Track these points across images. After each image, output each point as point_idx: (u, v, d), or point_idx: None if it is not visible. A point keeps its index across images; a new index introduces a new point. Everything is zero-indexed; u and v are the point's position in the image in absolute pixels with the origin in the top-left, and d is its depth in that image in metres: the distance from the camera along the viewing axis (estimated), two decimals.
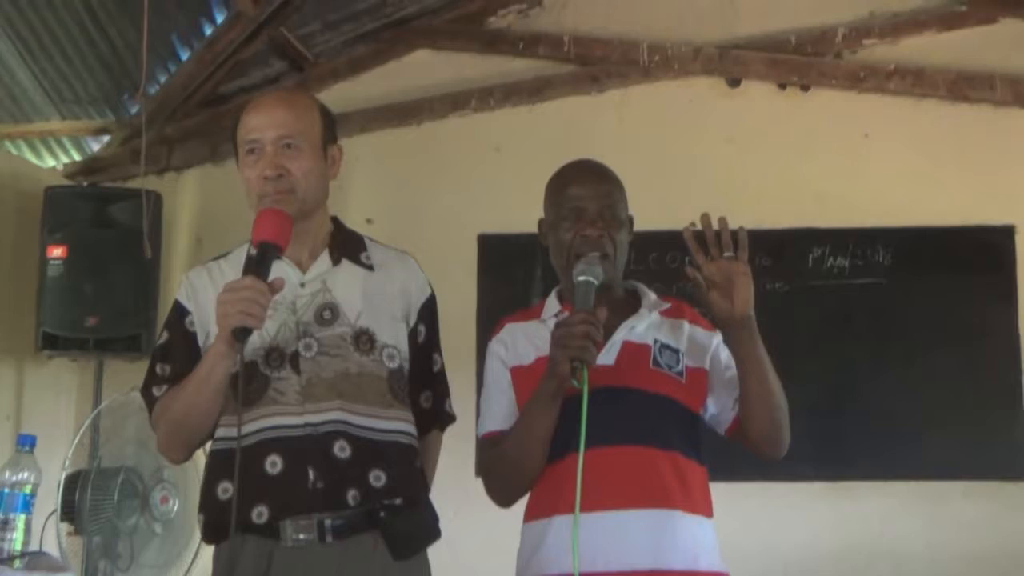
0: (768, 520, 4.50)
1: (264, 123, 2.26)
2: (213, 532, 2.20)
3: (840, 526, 4.48)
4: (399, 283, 2.36)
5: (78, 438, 3.97)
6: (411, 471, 2.27)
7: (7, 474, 2.37)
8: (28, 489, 2.39)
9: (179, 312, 2.28)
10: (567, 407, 2.08)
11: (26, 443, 2.46)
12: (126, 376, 4.39)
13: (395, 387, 2.27)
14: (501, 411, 2.27)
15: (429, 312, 2.40)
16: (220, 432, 2.20)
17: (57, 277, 4.30)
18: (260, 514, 2.11)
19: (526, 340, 2.28)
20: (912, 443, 4.49)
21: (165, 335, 2.30)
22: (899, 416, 4.52)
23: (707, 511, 2.24)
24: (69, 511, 3.78)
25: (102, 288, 4.31)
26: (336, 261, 2.30)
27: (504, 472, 2.25)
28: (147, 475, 3.96)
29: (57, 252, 4.31)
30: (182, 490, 4.05)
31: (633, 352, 2.24)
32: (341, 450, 2.16)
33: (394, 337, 2.29)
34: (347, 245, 2.34)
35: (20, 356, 4.51)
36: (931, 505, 4.47)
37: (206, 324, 2.24)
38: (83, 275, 4.30)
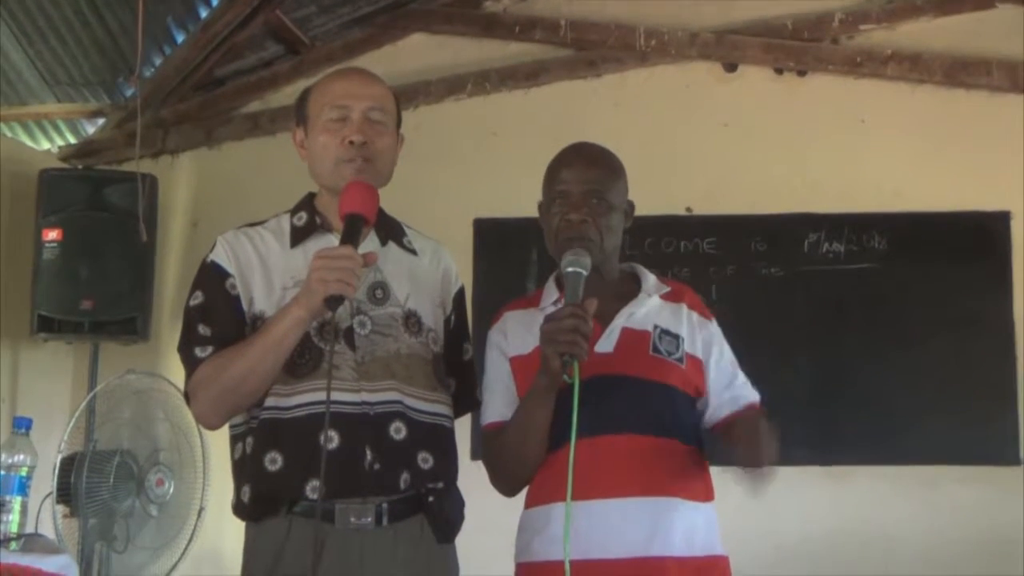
0: (762, 504, 4.46)
1: (357, 91, 2.25)
2: (260, 507, 2.15)
3: (834, 510, 4.50)
4: (438, 271, 2.39)
5: (74, 421, 3.97)
6: (451, 454, 2.28)
7: (3, 456, 2.38)
8: (24, 471, 2.40)
9: (218, 273, 2.22)
10: (565, 396, 2.07)
11: (22, 426, 2.47)
12: (121, 359, 4.41)
13: (438, 371, 2.28)
14: (501, 401, 2.27)
15: (460, 302, 2.43)
16: (270, 401, 2.15)
17: (52, 260, 4.30)
18: (314, 488, 2.07)
19: (525, 329, 2.26)
20: (906, 428, 4.50)
21: (200, 296, 2.22)
22: (894, 401, 4.53)
23: (707, 495, 2.25)
24: (65, 493, 3.79)
25: (97, 271, 4.31)
26: (383, 242, 2.30)
27: (506, 463, 2.25)
28: (143, 458, 3.97)
29: (52, 235, 4.31)
30: (177, 473, 4.06)
31: (632, 339, 2.23)
32: (397, 431, 2.16)
33: (435, 322, 2.32)
34: (391, 228, 2.35)
35: (15, 339, 4.51)
36: (925, 489, 4.48)
37: (249, 289, 2.21)
38: (78, 258, 4.31)
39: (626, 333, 2.24)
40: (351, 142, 2.20)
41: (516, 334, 2.29)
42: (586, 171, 2.26)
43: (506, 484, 2.28)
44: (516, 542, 2.26)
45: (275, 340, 2.07)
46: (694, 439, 2.25)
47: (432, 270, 2.38)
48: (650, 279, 2.34)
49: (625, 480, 2.14)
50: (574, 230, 2.21)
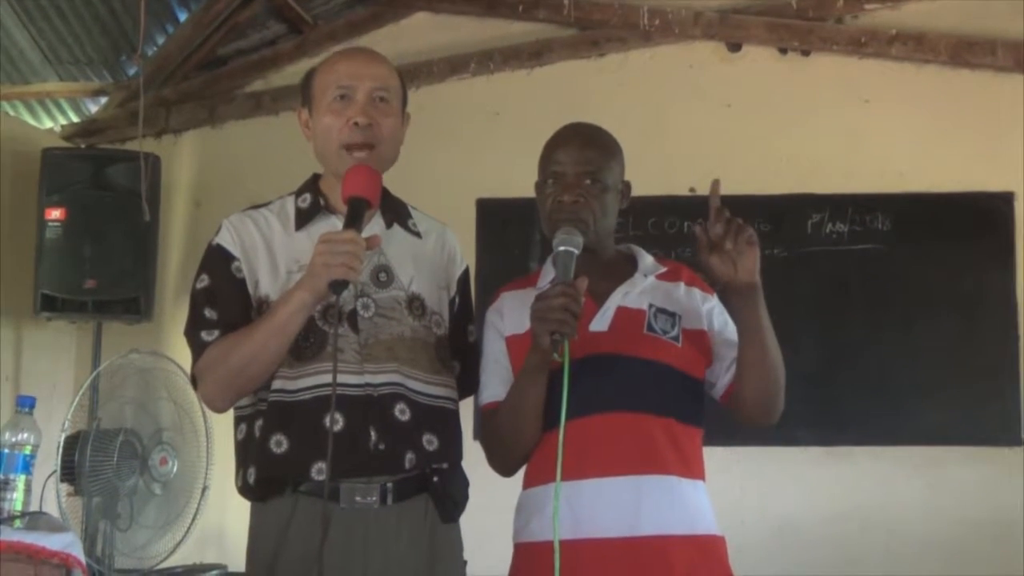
0: (765, 485, 4.52)
1: (362, 72, 2.23)
2: (264, 488, 2.16)
3: (836, 491, 4.51)
4: (443, 253, 2.38)
5: (77, 399, 3.98)
6: (455, 436, 2.29)
7: (7, 435, 2.38)
8: (28, 450, 2.40)
9: (224, 257, 2.22)
10: (558, 376, 2.06)
11: (26, 404, 2.47)
12: (125, 338, 4.42)
13: (441, 354, 2.29)
14: (497, 381, 2.27)
15: (465, 284, 2.43)
16: (276, 384, 2.16)
17: (55, 239, 4.30)
18: (320, 471, 2.08)
19: (521, 309, 2.23)
20: (909, 408, 4.51)
21: (206, 279, 2.23)
22: (896, 381, 4.54)
23: (702, 475, 2.24)
24: (69, 472, 3.80)
25: (100, 250, 4.31)
26: (388, 224, 2.30)
27: (500, 443, 2.25)
28: (146, 436, 3.98)
29: (55, 214, 4.31)
30: (181, 451, 4.07)
31: (627, 318, 2.23)
32: (401, 412, 2.17)
33: (439, 305, 2.32)
34: (396, 210, 2.34)
35: (19, 318, 4.52)
36: (927, 470, 4.49)
37: (254, 272, 2.21)
38: (81, 237, 4.31)
39: (621, 312, 2.23)
40: (356, 123, 2.20)
41: (512, 314, 2.29)
42: (580, 152, 2.25)
43: (502, 464, 2.28)
44: (514, 523, 2.27)
45: (280, 324, 2.08)
46: (692, 418, 2.24)
47: (436, 252, 2.37)
48: (647, 259, 2.34)
49: (620, 459, 2.14)
50: (567, 211, 2.20)
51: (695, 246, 2.17)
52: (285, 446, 2.13)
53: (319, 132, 2.25)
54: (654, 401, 2.18)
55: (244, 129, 5.13)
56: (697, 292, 2.32)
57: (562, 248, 2.11)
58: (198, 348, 2.20)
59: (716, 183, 2.13)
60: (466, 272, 2.44)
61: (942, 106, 4.71)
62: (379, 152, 2.22)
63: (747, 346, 2.18)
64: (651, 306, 2.25)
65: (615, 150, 2.31)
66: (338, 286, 2.00)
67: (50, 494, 3.72)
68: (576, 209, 2.21)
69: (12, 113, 5.00)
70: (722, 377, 2.28)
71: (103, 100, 5.16)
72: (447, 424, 2.26)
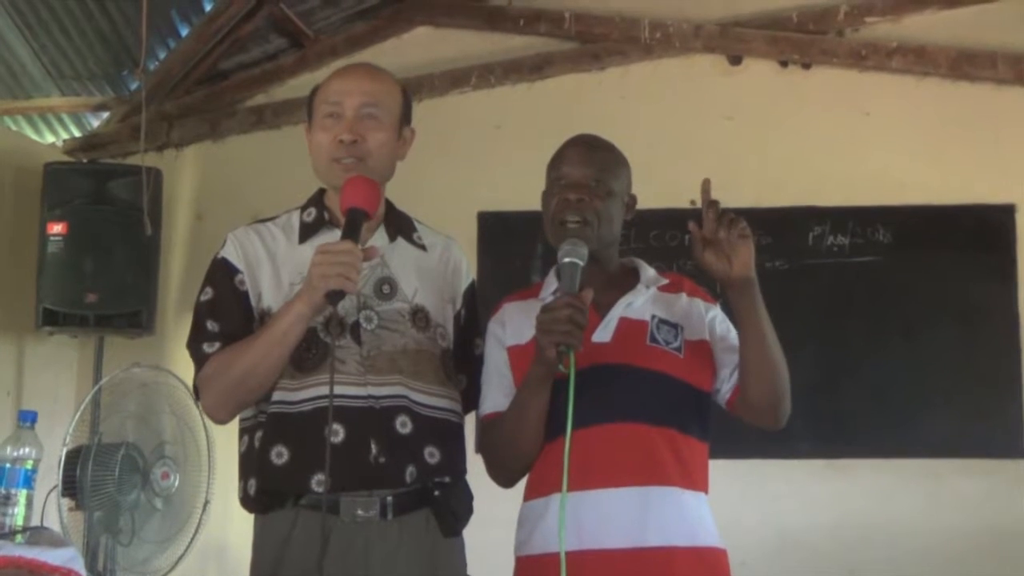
0: (766, 497, 4.51)
1: (349, 89, 2.26)
2: (265, 500, 2.18)
3: (838, 503, 4.50)
4: (448, 266, 2.39)
5: (79, 414, 3.97)
6: (459, 449, 2.29)
7: (8, 450, 2.37)
8: (29, 464, 2.40)
9: (228, 270, 2.25)
10: (562, 386, 2.07)
11: (27, 419, 2.46)
12: (126, 352, 4.42)
13: (446, 366, 2.29)
14: (498, 392, 2.27)
15: (471, 297, 2.43)
16: (277, 395, 2.17)
17: (57, 253, 4.30)
18: (320, 482, 2.09)
19: (524, 319, 2.25)
20: (910, 421, 4.50)
21: (210, 291, 2.26)
22: (898, 394, 4.53)
23: (704, 486, 2.24)
24: (70, 486, 3.79)
25: (102, 265, 4.31)
26: (392, 237, 2.31)
27: (502, 453, 2.25)
28: (148, 451, 3.97)
29: (57, 228, 4.31)
30: (182, 466, 4.06)
31: (630, 329, 2.23)
32: (403, 425, 2.17)
33: (444, 318, 2.33)
34: (400, 224, 2.36)
35: (20, 332, 4.52)
36: (929, 482, 4.48)
37: (257, 284, 2.24)
38: (83, 252, 4.31)
39: (624, 323, 2.24)
40: (341, 140, 2.22)
41: (514, 324, 2.30)
42: (587, 156, 2.27)
43: (503, 475, 2.29)
44: (516, 535, 2.27)
45: (279, 335, 2.09)
46: (694, 429, 2.24)
47: (442, 265, 2.38)
48: (649, 271, 2.35)
49: (623, 470, 2.14)
50: (570, 209, 2.21)
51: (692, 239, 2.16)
52: (286, 457, 2.14)
53: (313, 148, 2.28)
54: (656, 412, 2.18)
55: (246, 143, 5.14)
56: (699, 302, 2.32)
57: (567, 260, 2.12)
58: (200, 360, 2.22)
59: (707, 181, 2.13)
60: (472, 285, 2.45)
61: (943, 118, 4.71)
62: (367, 166, 2.23)
63: (748, 343, 2.17)
64: (653, 317, 2.26)
65: (621, 159, 2.33)
66: (334, 297, 2.02)
67: (52, 509, 3.71)
68: (580, 208, 2.21)
69: (14, 128, 5.01)
70: (726, 382, 2.28)
71: (105, 115, 5.16)
72: (450, 437, 2.26)
